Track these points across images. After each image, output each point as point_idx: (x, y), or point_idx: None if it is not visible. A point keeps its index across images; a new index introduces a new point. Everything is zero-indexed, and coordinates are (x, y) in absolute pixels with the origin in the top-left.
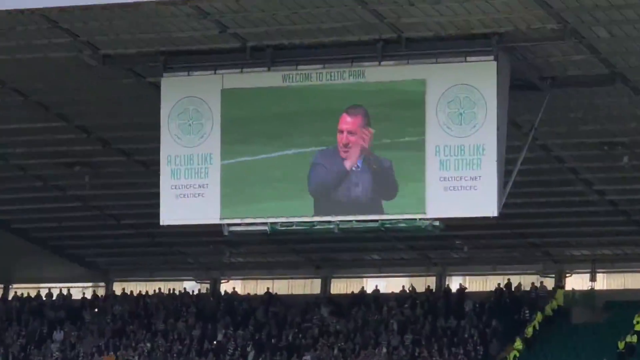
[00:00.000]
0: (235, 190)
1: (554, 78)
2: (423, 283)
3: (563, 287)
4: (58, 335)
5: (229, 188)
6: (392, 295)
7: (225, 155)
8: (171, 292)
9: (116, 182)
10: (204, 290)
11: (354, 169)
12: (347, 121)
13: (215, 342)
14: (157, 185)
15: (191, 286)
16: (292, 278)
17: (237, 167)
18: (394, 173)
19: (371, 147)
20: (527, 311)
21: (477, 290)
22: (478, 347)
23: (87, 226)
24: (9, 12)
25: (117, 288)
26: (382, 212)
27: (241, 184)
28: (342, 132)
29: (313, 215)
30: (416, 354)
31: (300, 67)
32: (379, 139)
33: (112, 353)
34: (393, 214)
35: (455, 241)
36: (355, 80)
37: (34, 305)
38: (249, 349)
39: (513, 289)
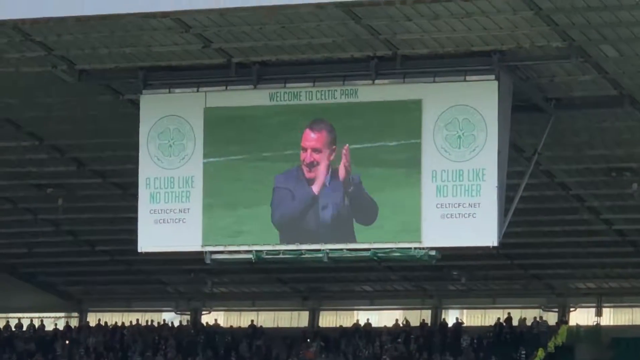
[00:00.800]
0: (218, 215)
1: (558, 99)
2: (418, 316)
3: (567, 322)
4: None
5: (211, 213)
6: (385, 330)
7: (207, 176)
8: (149, 323)
9: (91, 205)
10: (184, 322)
11: (320, 192)
12: (311, 138)
13: None
14: (134, 209)
15: (170, 317)
16: (277, 310)
17: (221, 189)
18: (369, 195)
19: (349, 168)
20: (523, 351)
21: (475, 324)
22: None
23: (59, 252)
24: None
25: (92, 319)
26: (355, 240)
27: (225, 208)
28: (305, 150)
29: (279, 244)
30: None
31: (288, 84)
32: (371, 163)
33: None
34: (373, 240)
35: (453, 272)
36: (347, 99)
37: (3, 337)
38: None
39: (514, 324)
